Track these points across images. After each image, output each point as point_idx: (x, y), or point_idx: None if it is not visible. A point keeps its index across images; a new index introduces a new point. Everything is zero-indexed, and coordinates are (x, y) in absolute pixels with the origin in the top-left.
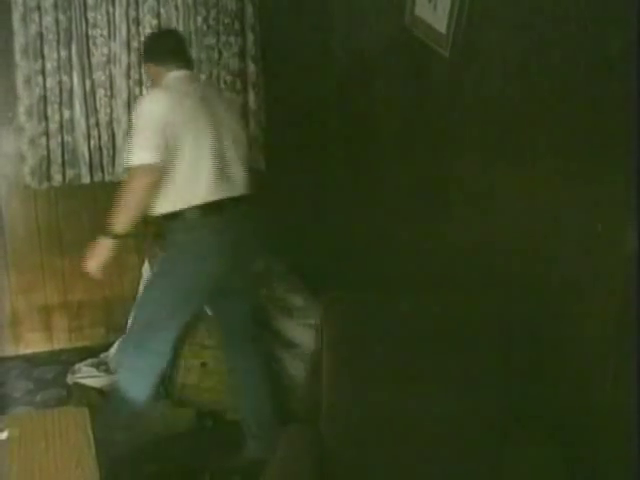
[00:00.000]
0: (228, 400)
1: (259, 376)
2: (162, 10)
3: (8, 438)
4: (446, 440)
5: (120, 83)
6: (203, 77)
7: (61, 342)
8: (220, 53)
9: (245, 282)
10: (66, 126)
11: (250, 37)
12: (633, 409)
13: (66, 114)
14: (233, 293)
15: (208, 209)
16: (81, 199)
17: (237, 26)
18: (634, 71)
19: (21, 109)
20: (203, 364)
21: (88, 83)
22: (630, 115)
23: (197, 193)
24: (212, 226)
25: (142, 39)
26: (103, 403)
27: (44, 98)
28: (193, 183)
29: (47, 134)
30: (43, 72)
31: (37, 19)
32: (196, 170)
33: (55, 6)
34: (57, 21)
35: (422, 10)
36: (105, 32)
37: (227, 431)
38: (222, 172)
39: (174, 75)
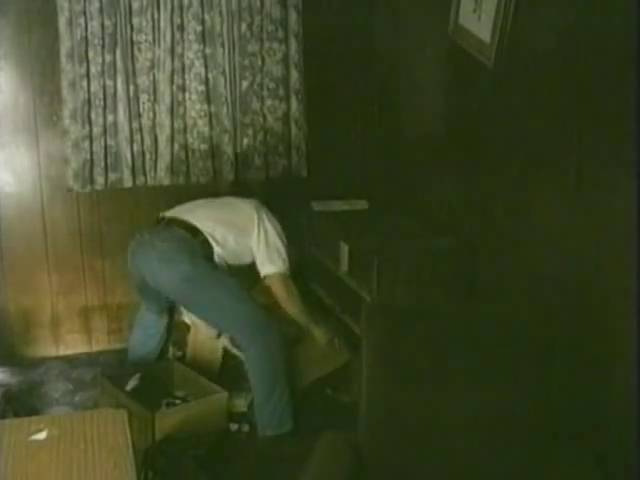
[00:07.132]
0: None
1: None
2: (207, 17)
3: (47, 438)
4: (483, 447)
5: (164, 88)
6: None
7: (100, 344)
8: (263, 60)
9: None
10: (109, 130)
11: (293, 44)
12: None
13: (110, 118)
14: None
15: None
16: (123, 203)
17: (281, 33)
18: None
19: (66, 112)
20: None
21: (132, 88)
22: None
23: None
24: None
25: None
26: None
27: (88, 102)
28: None
29: (91, 138)
30: (88, 76)
31: (83, 24)
32: None
33: (101, 11)
34: (102, 26)
35: (466, 19)
36: (150, 38)
37: None
38: None
39: None
